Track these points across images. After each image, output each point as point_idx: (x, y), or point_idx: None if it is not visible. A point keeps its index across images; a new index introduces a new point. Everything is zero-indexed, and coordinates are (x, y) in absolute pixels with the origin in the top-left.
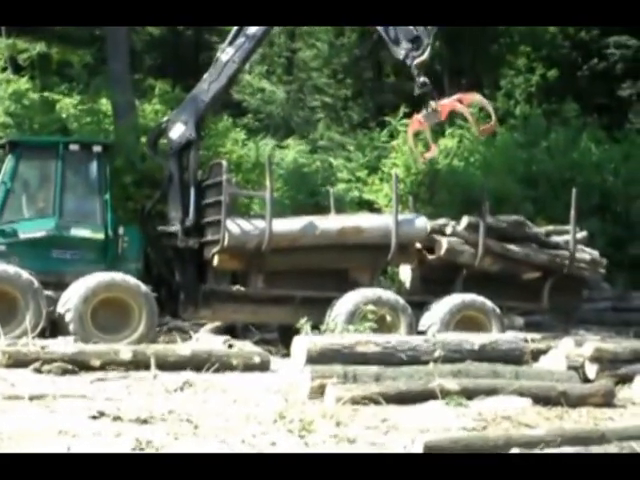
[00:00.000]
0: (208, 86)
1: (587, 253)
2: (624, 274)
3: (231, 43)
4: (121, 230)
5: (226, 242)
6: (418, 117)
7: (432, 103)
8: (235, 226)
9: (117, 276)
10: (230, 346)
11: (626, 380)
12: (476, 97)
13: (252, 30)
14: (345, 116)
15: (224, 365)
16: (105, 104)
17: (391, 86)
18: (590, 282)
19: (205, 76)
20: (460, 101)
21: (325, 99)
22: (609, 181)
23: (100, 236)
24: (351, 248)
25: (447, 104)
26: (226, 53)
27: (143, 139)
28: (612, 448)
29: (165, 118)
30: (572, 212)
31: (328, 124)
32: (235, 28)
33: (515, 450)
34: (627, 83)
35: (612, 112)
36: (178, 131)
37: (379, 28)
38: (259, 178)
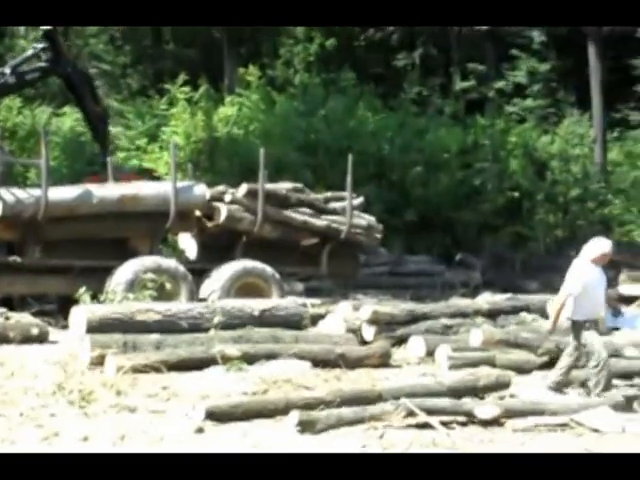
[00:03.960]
0: None
1: (364, 219)
2: (400, 239)
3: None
4: None
5: (1, 212)
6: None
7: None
8: (10, 195)
9: None
10: (7, 318)
11: (402, 341)
12: None
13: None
14: (124, 83)
15: (0, 338)
16: None
17: (170, 53)
18: (367, 247)
19: None
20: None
21: (103, 66)
22: (385, 149)
23: None
24: (130, 216)
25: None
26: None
27: None
28: (388, 406)
29: None
30: (348, 179)
31: (106, 92)
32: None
33: (295, 412)
34: (402, 54)
35: (388, 82)
36: None
37: None
38: (35, 146)
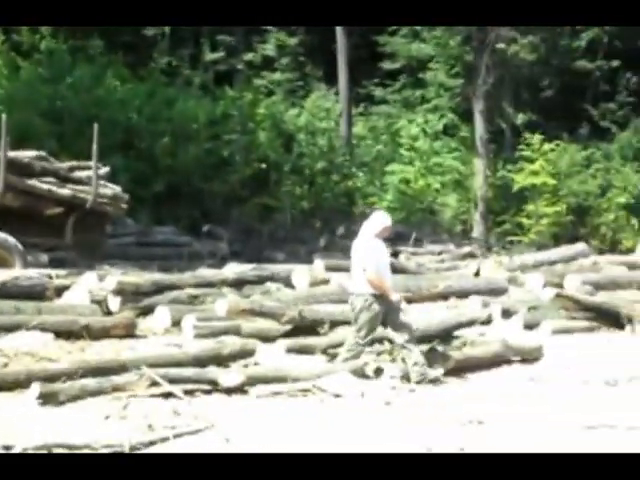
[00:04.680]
0: None
1: (110, 189)
2: (147, 209)
3: None
4: None
5: None
6: None
7: None
8: None
9: None
10: None
11: (148, 311)
12: None
13: None
14: None
15: None
16: None
17: None
18: (113, 217)
19: None
20: None
21: None
22: (133, 118)
23: None
24: None
25: None
26: None
27: None
28: (132, 376)
29: None
30: (94, 148)
31: None
32: None
33: (36, 384)
34: None
35: (137, 51)
36: None
37: None
38: None
